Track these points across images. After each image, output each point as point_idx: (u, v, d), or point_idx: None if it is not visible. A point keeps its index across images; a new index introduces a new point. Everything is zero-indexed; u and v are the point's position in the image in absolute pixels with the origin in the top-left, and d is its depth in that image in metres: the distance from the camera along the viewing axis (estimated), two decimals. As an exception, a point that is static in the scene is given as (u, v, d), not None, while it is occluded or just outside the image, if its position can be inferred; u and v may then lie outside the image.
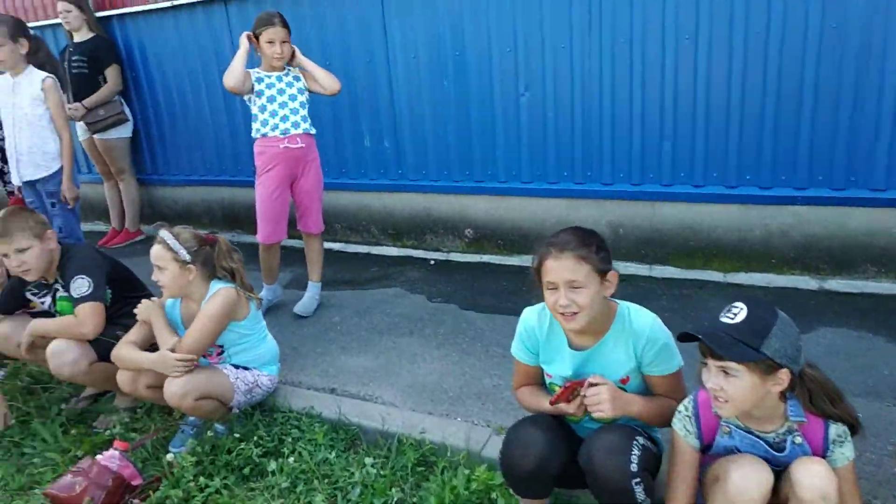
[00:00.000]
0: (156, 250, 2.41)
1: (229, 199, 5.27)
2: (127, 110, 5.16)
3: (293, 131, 3.35)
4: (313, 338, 3.38)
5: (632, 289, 3.56)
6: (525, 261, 4.16)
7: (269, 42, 3.25)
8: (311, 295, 3.70)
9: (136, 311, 2.51)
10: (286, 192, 3.45)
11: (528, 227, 4.19)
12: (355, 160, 4.64)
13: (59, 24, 5.13)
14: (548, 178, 4.03)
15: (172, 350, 2.36)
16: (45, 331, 2.62)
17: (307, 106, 3.42)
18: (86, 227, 5.89)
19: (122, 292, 2.79)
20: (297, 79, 3.39)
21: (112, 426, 2.71)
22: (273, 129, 3.35)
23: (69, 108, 4.57)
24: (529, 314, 1.93)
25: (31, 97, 3.65)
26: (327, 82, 3.37)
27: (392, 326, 3.44)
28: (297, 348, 3.27)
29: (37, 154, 3.68)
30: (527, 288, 3.73)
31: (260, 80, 3.34)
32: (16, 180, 3.77)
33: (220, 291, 2.45)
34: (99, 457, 2.28)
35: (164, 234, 2.43)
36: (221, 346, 2.57)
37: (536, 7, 3.76)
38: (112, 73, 4.98)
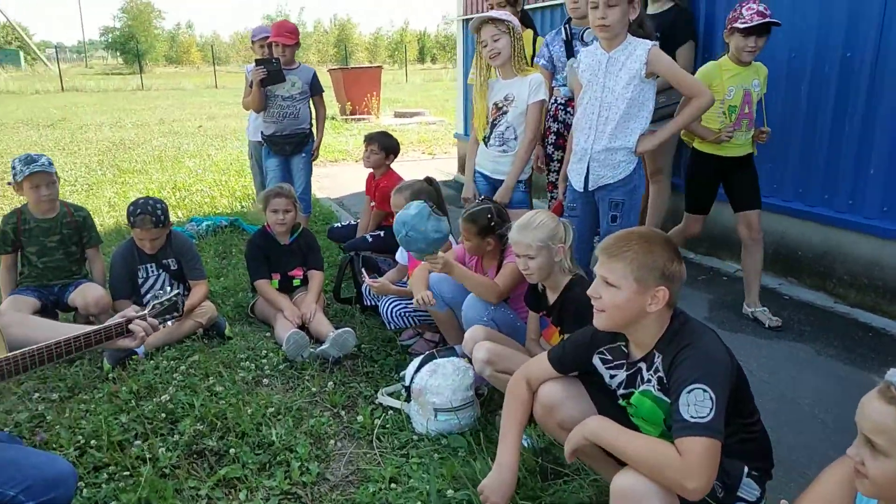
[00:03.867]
0: None
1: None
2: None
3: None
4: None
5: None
6: None
7: None
8: None
9: None
10: None
11: None
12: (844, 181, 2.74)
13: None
14: None
15: None
16: (621, 452, 1.70)
17: None
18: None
19: None
20: None
21: None
22: None
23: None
24: None
25: (629, 76, 2.88)
26: None
27: None
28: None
29: (618, 150, 2.94)
30: None
31: None
32: (578, 184, 3.08)
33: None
34: None
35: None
36: None
37: None
38: (684, 53, 4.08)
